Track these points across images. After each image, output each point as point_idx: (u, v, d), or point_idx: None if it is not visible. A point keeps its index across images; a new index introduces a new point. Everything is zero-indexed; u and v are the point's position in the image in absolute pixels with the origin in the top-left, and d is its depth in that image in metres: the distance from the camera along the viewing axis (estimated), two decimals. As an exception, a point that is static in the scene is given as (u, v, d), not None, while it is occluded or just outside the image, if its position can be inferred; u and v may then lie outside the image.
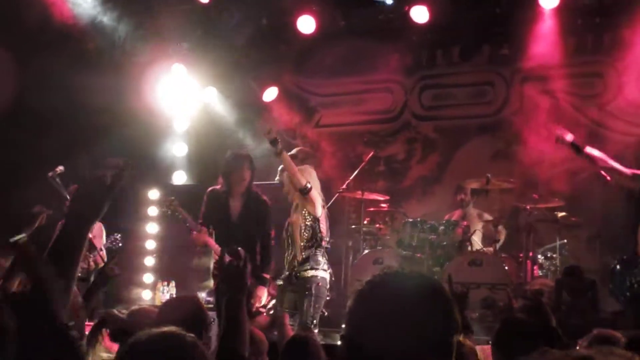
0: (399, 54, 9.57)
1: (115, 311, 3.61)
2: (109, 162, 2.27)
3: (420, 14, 8.65)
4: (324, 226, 5.97)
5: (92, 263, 6.71)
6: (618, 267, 5.73)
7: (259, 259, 6.00)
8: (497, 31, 9.10)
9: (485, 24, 8.98)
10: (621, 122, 8.63)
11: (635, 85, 8.40)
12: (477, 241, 7.96)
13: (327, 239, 6.10)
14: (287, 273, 5.96)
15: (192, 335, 1.99)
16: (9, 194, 7.20)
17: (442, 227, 7.88)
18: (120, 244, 7.65)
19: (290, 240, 5.97)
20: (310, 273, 5.81)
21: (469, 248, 7.79)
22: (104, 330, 2.88)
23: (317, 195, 5.92)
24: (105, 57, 9.10)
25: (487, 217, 8.16)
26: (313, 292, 5.73)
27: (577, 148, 5.88)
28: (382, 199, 8.56)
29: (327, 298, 6.17)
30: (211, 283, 7.26)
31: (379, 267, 6.40)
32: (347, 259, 8.37)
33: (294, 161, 6.04)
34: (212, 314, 5.40)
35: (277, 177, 6.12)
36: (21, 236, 2.40)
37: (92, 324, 2.99)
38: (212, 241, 5.93)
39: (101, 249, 7.33)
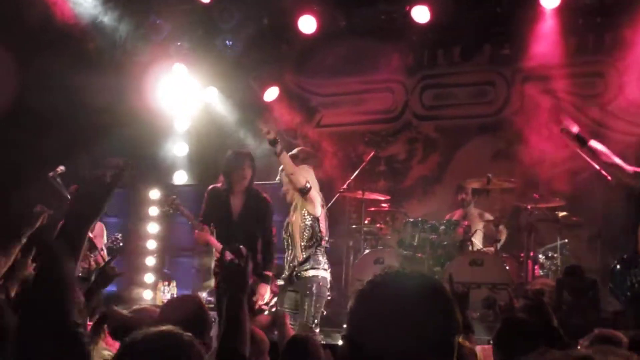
0: (400, 53, 9.57)
1: (116, 308, 3.60)
2: (109, 162, 2.27)
3: (421, 14, 8.64)
4: (323, 226, 5.96)
5: (92, 263, 6.72)
6: (618, 266, 5.71)
7: (260, 257, 6.00)
8: (498, 31, 9.09)
9: (486, 24, 8.98)
10: (622, 122, 8.62)
11: (636, 85, 8.38)
12: (478, 241, 7.97)
13: (327, 239, 6.10)
14: (287, 273, 5.96)
15: (190, 334, 1.98)
16: (9, 194, 7.19)
17: (443, 227, 7.87)
18: (121, 244, 7.66)
19: (290, 240, 5.97)
20: (311, 273, 5.80)
21: (470, 248, 7.78)
22: (104, 327, 2.88)
23: (316, 194, 5.92)
24: (105, 57, 9.10)
25: (488, 216, 8.15)
26: (314, 291, 5.73)
27: (582, 140, 5.82)
28: (383, 198, 8.55)
29: (328, 298, 6.17)
30: (212, 283, 7.26)
31: (379, 267, 6.38)
32: (348, 258, 8.36)
33: (295, 161, 6.02)
34: (213, 314, 5.40)
35: (277, 177, 6.11)
36: None
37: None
38: (213, 239, 5.94)
39: (102, 249, 7.34)
